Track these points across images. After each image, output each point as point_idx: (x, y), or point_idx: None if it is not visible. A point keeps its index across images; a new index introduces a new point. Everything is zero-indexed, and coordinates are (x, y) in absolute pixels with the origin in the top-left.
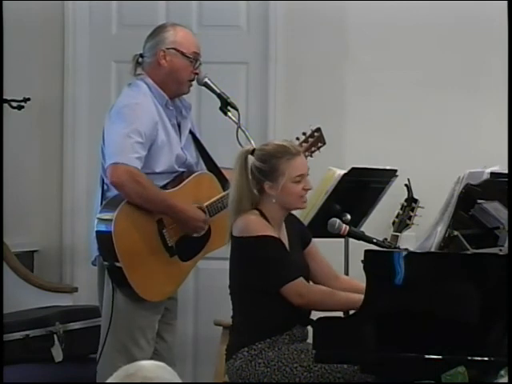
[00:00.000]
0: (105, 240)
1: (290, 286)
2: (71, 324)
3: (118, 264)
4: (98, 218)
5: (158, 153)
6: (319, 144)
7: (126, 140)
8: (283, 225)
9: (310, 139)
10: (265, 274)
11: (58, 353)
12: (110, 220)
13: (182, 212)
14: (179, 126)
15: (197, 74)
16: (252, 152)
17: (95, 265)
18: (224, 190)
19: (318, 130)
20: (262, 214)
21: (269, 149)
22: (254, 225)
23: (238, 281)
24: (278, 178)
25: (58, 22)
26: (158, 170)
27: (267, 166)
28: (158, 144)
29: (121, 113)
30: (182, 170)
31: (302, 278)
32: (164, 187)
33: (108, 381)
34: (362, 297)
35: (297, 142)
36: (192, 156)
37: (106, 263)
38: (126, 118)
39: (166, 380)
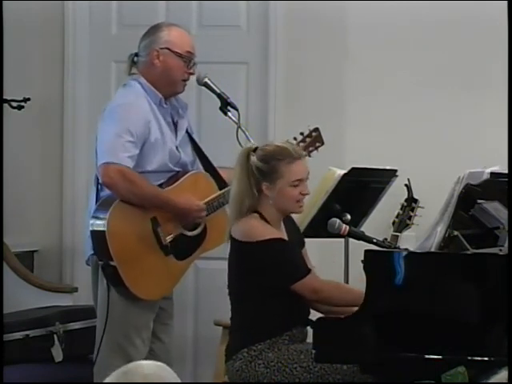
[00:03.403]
0: (99, 239)
1: (303, 282)
2: (71, 324)
3: (112, 263)
4: (93, 217)
5: (152, 151)
6: (317, 144)
7: (117, 140)
8: (282, 225)
9: (308, 139)
10: (277, 276)
11: (57, 353)
12: (104, 219)
13: (176, 205)
14: (176, 124)
15: (191, 73)
16: (254, 150)
17: (89, 264)
18: (220, 190)
19: (316, 129)
20: (262, 217)
21: (270, 149)
22: (257, 229)
23: (239, 283)
24: (276, 180)
25: (58, 22)
26: (150, 169)
27: (267, 166)
28: (151, 142)
29: (113, 112)
30: (176, 169)
31: (313, 273)
32: (159, 186)
33: (106, 380)
34: None
35: (294, 142)
36: (187, 155)
37: (100, 262)
38: (118, 117)
39: (166, 379)
